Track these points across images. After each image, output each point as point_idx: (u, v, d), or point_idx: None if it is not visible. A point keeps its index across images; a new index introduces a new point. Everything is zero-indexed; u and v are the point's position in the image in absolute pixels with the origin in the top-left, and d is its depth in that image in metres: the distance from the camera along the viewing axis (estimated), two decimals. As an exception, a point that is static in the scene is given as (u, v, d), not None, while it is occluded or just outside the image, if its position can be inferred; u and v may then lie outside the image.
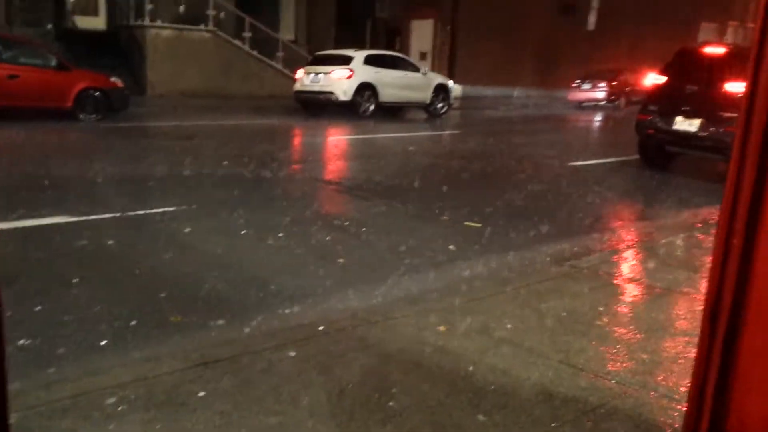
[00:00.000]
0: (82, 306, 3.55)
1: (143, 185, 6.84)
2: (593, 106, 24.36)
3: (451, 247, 5.09)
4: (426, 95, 17.49)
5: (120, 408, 2.38)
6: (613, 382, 2.77)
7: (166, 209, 5.81)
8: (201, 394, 2.52)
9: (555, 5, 27.34)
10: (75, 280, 3.93)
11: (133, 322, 3.39)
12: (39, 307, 3.48)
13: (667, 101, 9.18)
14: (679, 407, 2.53)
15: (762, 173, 1.93)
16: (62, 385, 2.55)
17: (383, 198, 6.74)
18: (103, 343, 3.15)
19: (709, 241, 5.23)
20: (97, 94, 12.45)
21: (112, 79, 12.93)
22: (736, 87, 8.10)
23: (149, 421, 2.31)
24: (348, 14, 25.47)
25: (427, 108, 17.71)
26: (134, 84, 17.15)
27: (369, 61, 16.36)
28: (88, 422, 2.28)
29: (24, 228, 4.91)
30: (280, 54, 21.26)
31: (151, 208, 5.81)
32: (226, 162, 8.50)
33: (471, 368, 2.84)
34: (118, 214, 5.53)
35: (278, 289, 3.99)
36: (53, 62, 12.22)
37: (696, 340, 3.08)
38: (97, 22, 20.00)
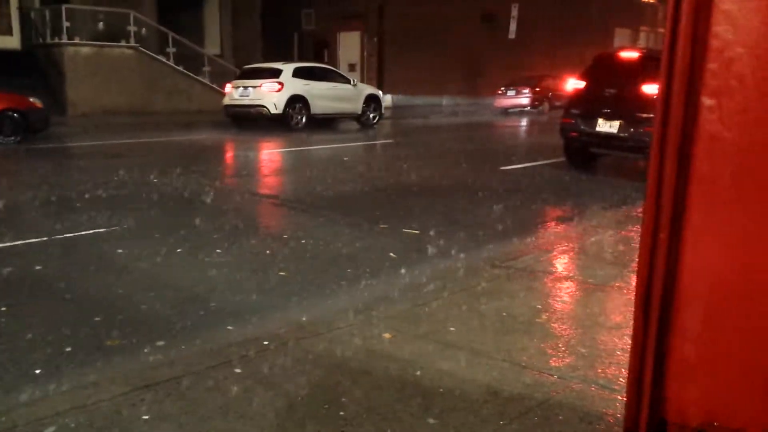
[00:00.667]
0: (12, 334, 3.40)
1: (70, 207, 6.59)
2: (518, 112, 25.08)
3: (391, 254, 5.13)
4: (357, 106, 17.59)
5: (60, 438, 2.29)
6: (555, 377, 2.86)
7: (96, 231, 5.61)
8: (145, 417, 2.46)
9: (477, 15, 28.02)
10: (2, 309, 3.75)
11: (68, 348, 3.26)
12: (-36, 340, 3.31)
13: (588, 105, 9.55)
14: (619, 398, 2.63)
15: (682, 169, 2.04)
16: (-4, 418, 2.43)
17: (320, 209, 6.73)
18: (37, 371, 3.02)
19: (635, 237, 5.46)
20: (14, 115, 11.94)
21: (31, 99, 12.43)
22: (651, 89, 8.51)
23: (92, 449, 2.23)
24: (274, 27, 25.38)
25: (359, 119, 17.81)
26: (54, 104, 16.50)
27: (298, 73, 16.33)
28: (27, 455, 2.19)
29: (-58, 257, 4.66)
30: (206, 69, 20.95)
31: (80, 231, 5.60)
32: (155, 180, 8.30)
33: (418, 373, 2.87)
34: (45, 238, 5.31)
35: (219, 306, 3.92)
36: (-36, 83, 11.67)
37: (630, 332, 3.22)
38: (11, 42, 19.16)
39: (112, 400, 2.57)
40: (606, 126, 9.12)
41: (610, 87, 9.29)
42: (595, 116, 9.24)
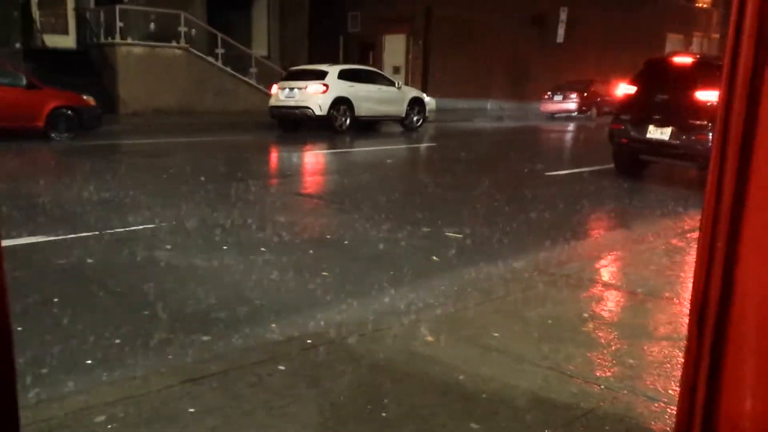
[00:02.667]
0: (64, 326, 3.50)
1: (121, 203, 6.76)
2: (565, 117, 24.76)
3: (434, 257, 5.11)
4: (401, 109, 17.60)
5: (109, 426, 2.34)
6: (602, 387, 2.80)
7: (145, 226, 5.74)
8: (191, 410, 2.49)
9: (525, 19, 27.77)
10: (55, 300, 3.86)
11: (117, 341, 3.34)
12: (20, 328, 3.41)
13: (638, 110, 9.35)
14: (668, 410, 2.57)
15: (742, 176, 1.98)
16: (49, 404, 2.50)
17: (364, 211, 6.75)
18: (88, 362, 3.09)
19: (686, 246, 5.32)
20: (69, 112, 12.31)
21: (84, 97, 12.81)
22: (705, 95, 8.29)
23: (140, 439, 2.28)
24: (320, 30, 25.61)
25: (403, 122, 17.81)
26: (106, 102, 16.97)
27: (343, 75, 16.43)
28: (77, 442, 2.24)
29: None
30: (253, 70, 21.27)
31: (130, 226, 5.74)
32: (203, 178, 8.45)
33: (461, 377, 2.84)
34: (96, 233, 5.46)
35: (263, 304, 3.96)
36: (23, 81, 12.06)
37: (679, 344, 3.14)
38: (67, 41, 19.80)
39: (159, 392, 2.62)
40: (657, 133, 8.92)
41: (662, 93, 9.08)
42: (645, 122, 9.04)
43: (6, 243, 4.98)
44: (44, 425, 2.33)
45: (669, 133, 8.76)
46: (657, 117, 8.94)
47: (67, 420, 2.37)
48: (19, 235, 5.21)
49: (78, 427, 2.32)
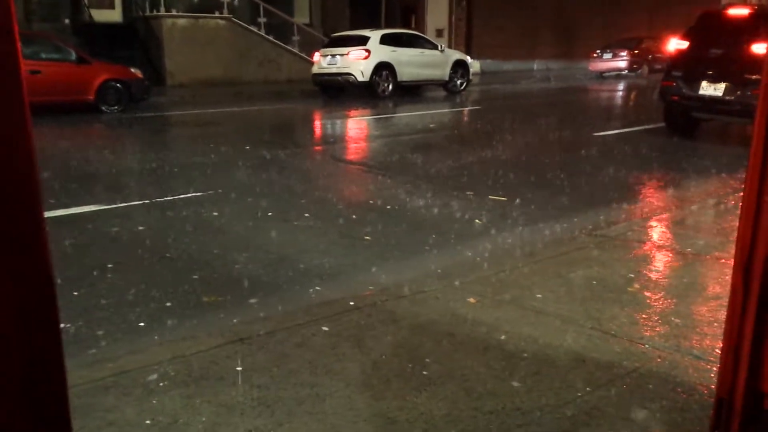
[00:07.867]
0: (118, 290, 3.63)
1: (169, 172, 6.92)
2: (615, 76, 24.04)
3: (477, 221, 5.09)
4: (444, 72, 17.36)
5: (161, 384, 2.44)
6: (646, 346, 2.77)
7: (192, 194, 5.88)
8: (238, 368, 2.58)
9: (572, -25, 26.89)
10: (110, 266, 4.01)
11: (168, 304, 3.46)
12: (76, 292, 3.57)
13: (691, 66, 9.01)
14: (714, 368, 2.52)
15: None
16: (103, 364, 2.61)
17: (406, 176, 6.74)
18: (140, 324, 3.22)
19: (739, 206, 5.16)
20: (118, 85, 12.58)
21: (132, 70, 13.04)
22: (762, 49, 7.93)
23: (189, 395, 2.37)
24: (362, -6, 25.29)
25: (446, 85, 17.59)
26: (153, 74, 17.26)
27: (385, 40, 16.28)
28: (131, 398, 2.34)
29: (57, 217, 5.00)
30: (295, 38, 21.24)
31: (179, 194, 5.88)
32: (248, 147, 8.56)
33: (503, 337, 2.85)
34: (147, 201, 5.62)
35: (307, 268, 4.03)
36: (73, 56, 12.35)
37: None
38: (114, 15, 20.10)
39: (208, 351, 2.71)
40: (710, 89, 8.59)
41: (716, 47, 8.71)
42: (698, 78, 8.71)
43: (62, 212, 5.18)
44: (99, 383, 2.44)
45: (723, 89, 8.43)
46: (710, 72, 8.60)
47: (120, 378, 2.48)
48: (73, 205, 5.40)
49: (131, 385, 2.43)
